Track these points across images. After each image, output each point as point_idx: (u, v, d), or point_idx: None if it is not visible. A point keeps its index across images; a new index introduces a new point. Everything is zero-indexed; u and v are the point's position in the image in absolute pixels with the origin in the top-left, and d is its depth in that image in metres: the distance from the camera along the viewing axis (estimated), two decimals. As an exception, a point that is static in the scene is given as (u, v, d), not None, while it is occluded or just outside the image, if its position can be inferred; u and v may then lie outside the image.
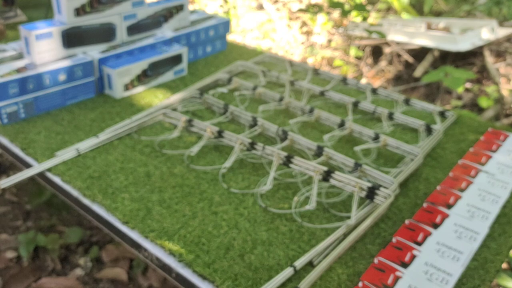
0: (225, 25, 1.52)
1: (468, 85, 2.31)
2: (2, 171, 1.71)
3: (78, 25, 1.17)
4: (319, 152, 0.98)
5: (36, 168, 0.93)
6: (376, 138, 1.05)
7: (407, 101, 1.24)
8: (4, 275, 1.32)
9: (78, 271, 1.34)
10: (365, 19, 2.02)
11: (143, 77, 1.24)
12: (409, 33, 2.59)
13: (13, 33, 1.52)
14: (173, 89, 1.27)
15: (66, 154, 0.96)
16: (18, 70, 1.08)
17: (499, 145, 1.07)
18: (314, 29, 3.08)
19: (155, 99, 1.21)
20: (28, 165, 0.96)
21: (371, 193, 0.85)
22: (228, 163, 0.95)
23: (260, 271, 0.72)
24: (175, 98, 1.18)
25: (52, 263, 1.36)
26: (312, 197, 0.84)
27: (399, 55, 2.62)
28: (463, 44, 2.39)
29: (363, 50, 2.74)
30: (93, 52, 1.21)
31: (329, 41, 2.93)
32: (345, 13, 1.87)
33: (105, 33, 1.24)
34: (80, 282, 1.30)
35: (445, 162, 1.02)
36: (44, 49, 1.12)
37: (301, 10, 2.05)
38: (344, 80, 1.35)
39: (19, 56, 1.16)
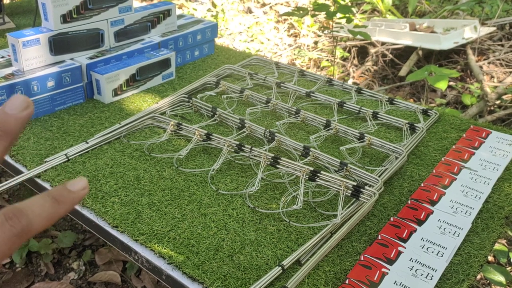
0: (213, 29, 1.53)
1: (452, 83, 2.34)
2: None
3: (65, 32, 1.18)
4: (305, 153, 1.00)
5: (26, 174, 0.93)
6: (361, 137, 1.07)
7: (391, 101, 1.27)
8: (-5, 282, 1.32)
9: (72, 275, 1.35)
10: (350, 20, 2.04)
11: (132, 82, 1.25)
12: (394, 33, 2.63)
13: (1, 40, 1.52)
14: (161, 93, 1.28)
15: (55, 159, 0.97)
16: (6, 77, 1.08)
17: (482, 142, 1.10)
18: (301, 31, 3.11)
19: (144, 103, 1.23)
20: (17, 172, 0.97)
21: (357, 191, 0.87)
22: (216, 165, 0.97)
23: (249, 271, 0.74)
24: (163, 102, 1.19)
25: (45, 267, 1.37)
26: (299, 197, 0.86)
27: (384, 55, 2.65)
28: (446, 43, 2.43)
29: (349, 51, 2.77)
30: (81, 58, 1.22)
31: (316, 42, 2.96)
32: (330, 16, 1.90)
33: (93, 39, 1.25)
34: (74, 286, 1.31)
35: (428, 160, 1.04)
36: (31, 56, 1.13)
37: (287, 14, 2.07)
38: (329, 81, 1.37)
39: (7, 64, 1.17)
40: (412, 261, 0.76)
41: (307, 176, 0.91)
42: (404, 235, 0.81)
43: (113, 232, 0.81)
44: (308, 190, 0.92)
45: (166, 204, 0.87)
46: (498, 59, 2.52)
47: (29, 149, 1.02)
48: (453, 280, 0.74)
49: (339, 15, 2.04)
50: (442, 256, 0.78)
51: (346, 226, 0.81)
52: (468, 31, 2.55)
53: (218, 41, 2.85)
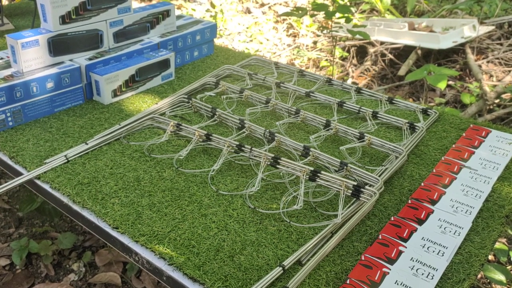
0: (212, 30, 1.53)
1: (451, 82, 2.34)
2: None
3: (64, 33, 1.17)
4: (305, 153, 1.00)
5: (25, 176, 0.93)
6: (361, 137, 1.07)
7: (390, 100, 1.27)
8: (-4, 284, 1.32)
9: (72, 277, 1.34)
10: (349, 20, 2.04)
11: (131, 82, 1.25)
12: (393, 33, 2.63)
13: (0, 41, 1.52)
14: (161, 94, 1.28)
15: (55, 161, 0.97)
16: (5, 79, 1.08)
17: (481, 141, 1.10)
18: (300, 31, 3.11)
19: (144, 104, 1.23)
20: (17, 173, 0.97)
21: (357, 191, 0.87)
22: (216, 166, 0.97)
23: (249, 272, 0.74)
24: (163, 102, 1.19)
25: (45, 269, 1.36)
26: (299, 197, 0.86)
27: (383, 55, 2.65)
28: (445, 43, 2.43)
29: (348, 51, 2.77)
30: (81, 59, 1.22)
31: (315, 42, 2.96)
32: (329, 15, 1.90)
33: (92, 40, 1.25)
34: (74, 287, 1.31)
35: (428, 159, 1.04)
36: (30, 57, 1.13)
37: (285, 14, 2.07)
38: (329, 81, 1.37)
39: (6, 65, 1.17)
40: (413, 261, 0.76)
41: (307, 176, 0.91)
42: (404, 235, 0.81)
43: (113, 233, 0.81)
44: (308, 190, 0.92)
45: (167, 205, 0.87)
46: (497, 58, 2.52)
47: (28, 151, 1.01)
48: (454, 279, 0.74)
49: (338, 14, 2.04)
50: (442, 255, 0.78)
51: (346, 226, 0.81)
52: (467, 30, 2.55)
53: (217, 41, 2.85)
